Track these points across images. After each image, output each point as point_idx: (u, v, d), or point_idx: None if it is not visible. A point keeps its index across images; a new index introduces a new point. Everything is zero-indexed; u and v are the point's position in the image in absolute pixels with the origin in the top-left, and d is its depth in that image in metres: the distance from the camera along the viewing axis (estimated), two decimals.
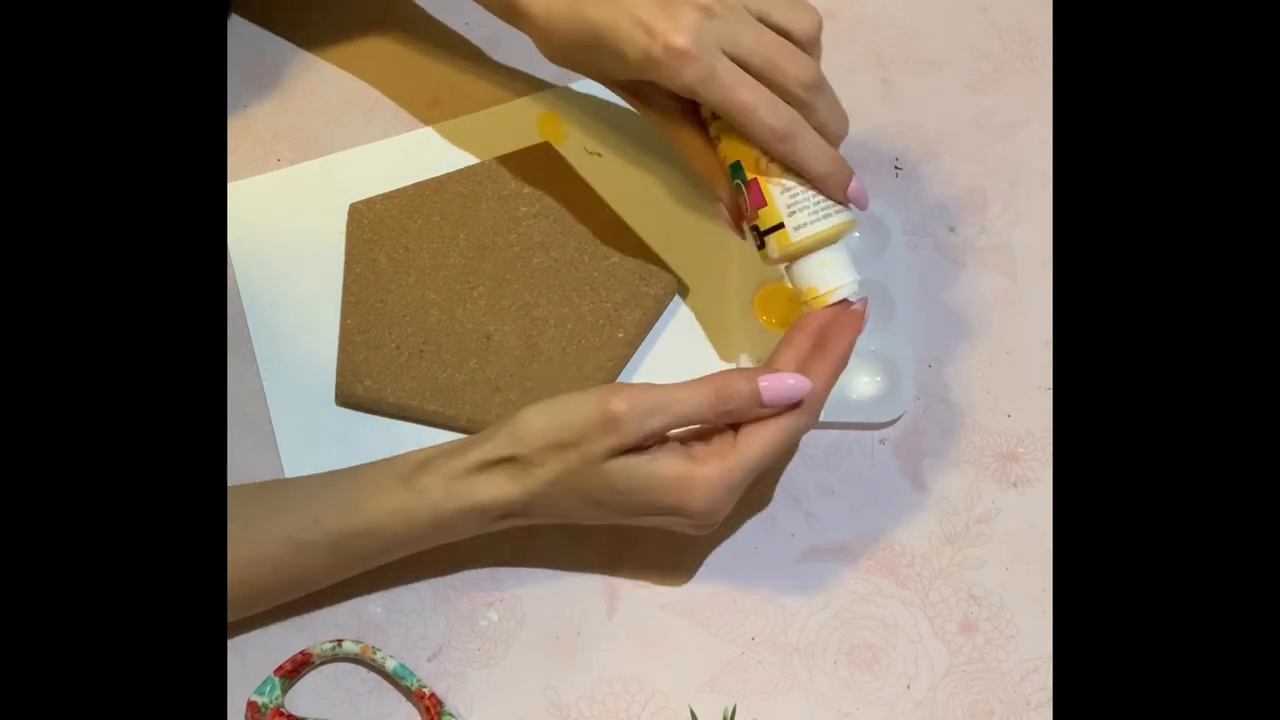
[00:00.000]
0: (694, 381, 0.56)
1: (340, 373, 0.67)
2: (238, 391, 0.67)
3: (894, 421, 0.66)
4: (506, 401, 0.66)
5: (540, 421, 0.56)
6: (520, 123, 0.75)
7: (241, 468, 0.65)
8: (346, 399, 0.67)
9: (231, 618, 0.60)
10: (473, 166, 0.72)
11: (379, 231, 0.70)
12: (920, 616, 0.62)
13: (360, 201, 0.71)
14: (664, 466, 0.55)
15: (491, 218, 0.70)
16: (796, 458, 0.66)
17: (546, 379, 0.66)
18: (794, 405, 0.56)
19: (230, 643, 0.61)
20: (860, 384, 0.67)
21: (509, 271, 0.69)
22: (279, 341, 0.69)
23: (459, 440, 0.59)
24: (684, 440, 0.57)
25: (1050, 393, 0.67)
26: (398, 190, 0.71)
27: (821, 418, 0.64)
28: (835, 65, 0.76)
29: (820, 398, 0.56)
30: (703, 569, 0.63)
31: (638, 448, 0.55)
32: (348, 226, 0.70)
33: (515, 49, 0.78)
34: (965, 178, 0.73)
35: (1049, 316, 0.69)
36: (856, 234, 0.65)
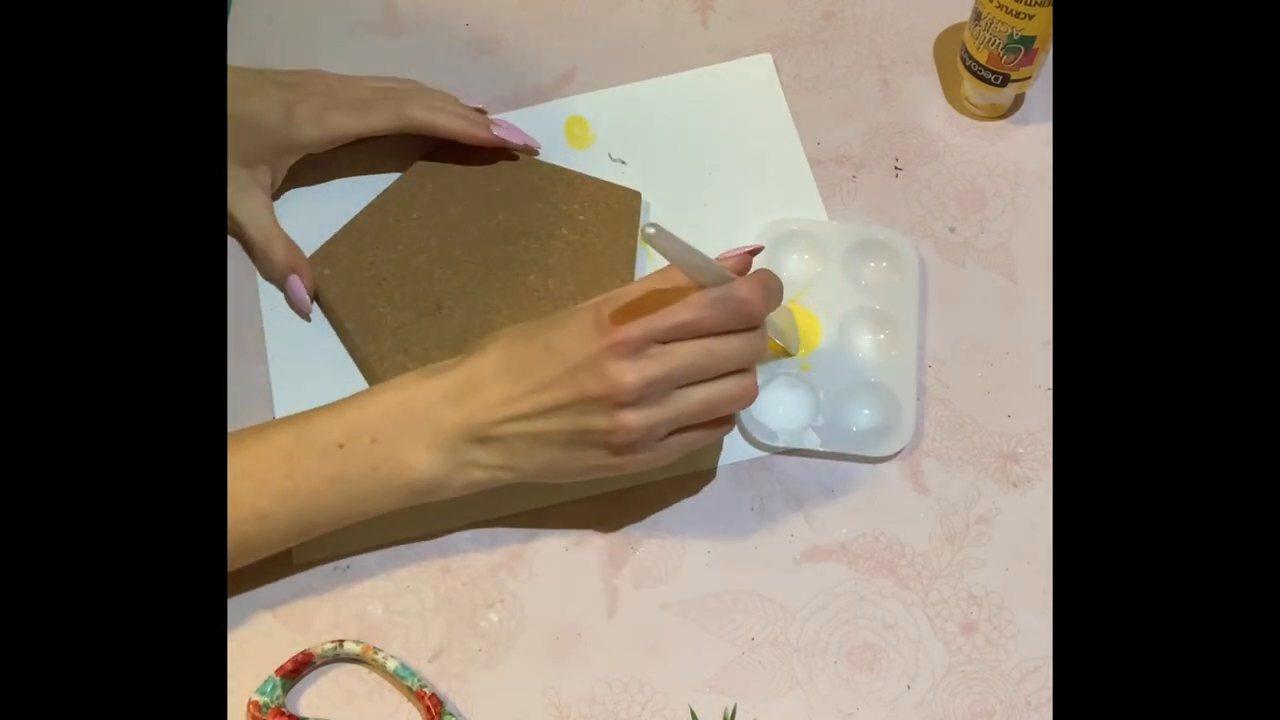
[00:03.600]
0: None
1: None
2: (245, 392, 0.67)
3: (893, 456, 0.66)
4: None
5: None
6: (548, 125, 0.75)
7: None
8: None
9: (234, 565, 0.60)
10: (393, 186, 0.72)
11: (349, 275, 0.70)
12: (920, 616, 0.62)
13: (315, 254, 0.71)
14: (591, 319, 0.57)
15: (451, 217, 0.71)
16: (796, 457, 0.66)
17: None
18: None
19: (231, 643, 0.61)
20: (861, 416, 0.67)
21: (493, 252, 0.69)
22: (289, 344, 0.69)
23: None
24: None
25: (1050, 393, 0.67)
26: (339, 233, 0.71)
27: (820, 446, 0.65)
28: (835, 65, 0.77)
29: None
30: (703, 569, 0.63)
31: None
32: (317, 280, 0.70)
33: (514, 50, 0.78)
34: (965, 178, 0.73)
35: (1049, 316, 0.69)
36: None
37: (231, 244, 0.72)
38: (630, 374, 0.55)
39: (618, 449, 0.57)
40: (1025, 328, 0.69)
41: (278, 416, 0.66)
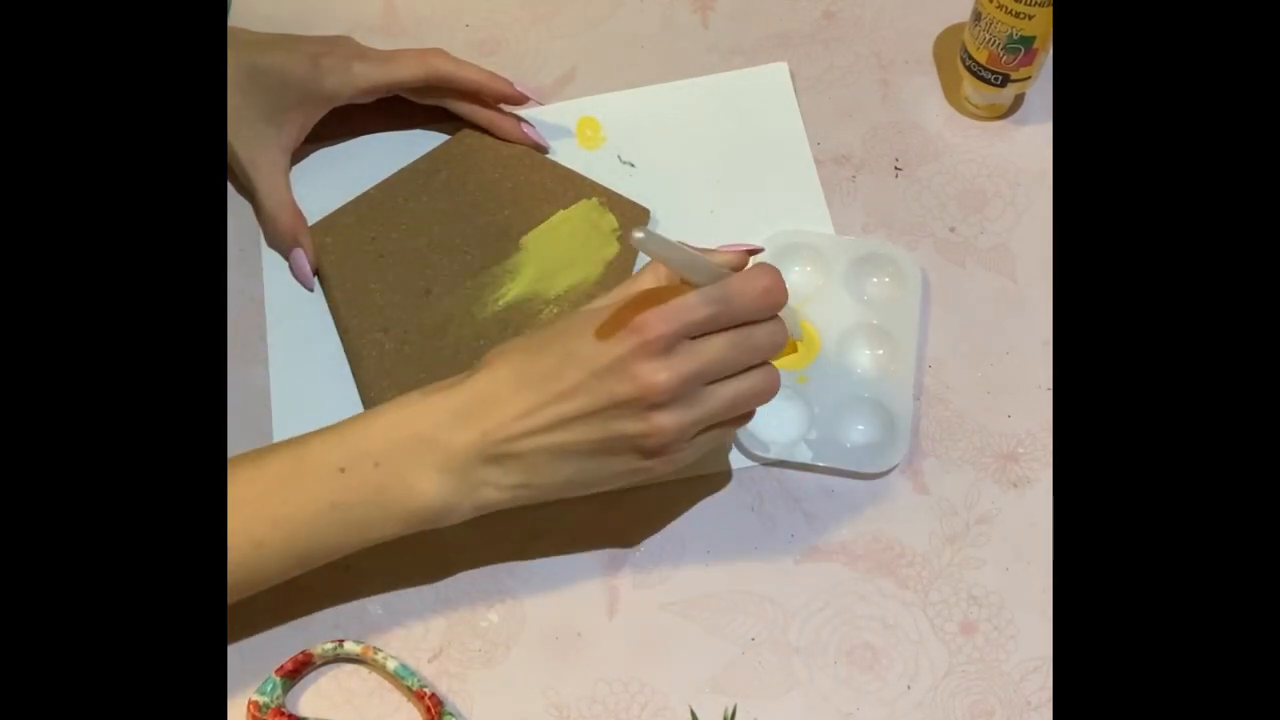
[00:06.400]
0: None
1: (365, 385, 0.67)
2: (244, 393, 0.67)
3: (885, 474, 0.65)
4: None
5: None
6: (560, 124, 0.75)
7: None
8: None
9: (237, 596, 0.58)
10: (410, 167, 0.73)
11: (348, 247, 0.70)
12: (920, 616, 0.62)
13: (320, 221, 0.71)
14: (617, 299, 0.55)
15: (459, 206, 0.71)
16: None
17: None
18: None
19: (231, 643, 0.61)
20: (855, 431, 0.66)
21: (492, 246, 0.70)
22: (289, 345, 0.69)
23: None
24: None
25: (1050, 393, 0.67)
26: (348, 204, 0.72)
27: (812, 459, 0.64)
28: (835, 65, 0.77)
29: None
30: (703, 569, 0.63)
31: None
32: (317, 251, 0.71)
33: (514, 51, 0.78)
34: (965, 178, 0.73)
35: (1049, 316, 0.69)
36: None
37: (232, 250, 0.72)
38: (663, 373, 0.53)
39: (649, 452, 0.55)
40: (1025, 328, 0.69)
41: (275, 417, 0.67)
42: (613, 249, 0.70)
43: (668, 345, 0.53)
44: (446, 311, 0.68)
